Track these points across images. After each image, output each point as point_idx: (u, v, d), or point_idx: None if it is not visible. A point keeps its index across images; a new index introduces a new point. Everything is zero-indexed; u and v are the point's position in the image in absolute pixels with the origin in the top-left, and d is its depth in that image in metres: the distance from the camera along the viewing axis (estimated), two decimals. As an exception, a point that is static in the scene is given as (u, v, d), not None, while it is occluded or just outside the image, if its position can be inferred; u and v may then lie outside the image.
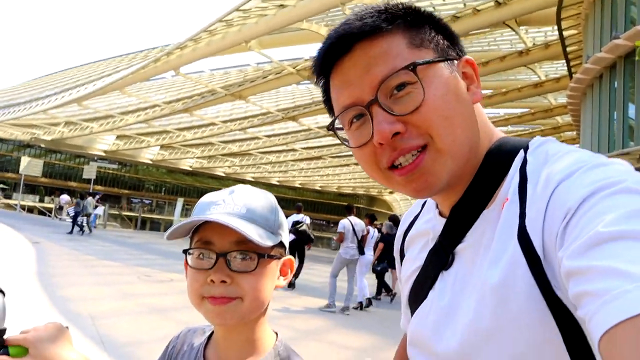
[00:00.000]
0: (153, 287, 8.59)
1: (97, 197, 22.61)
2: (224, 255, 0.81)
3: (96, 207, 21.93)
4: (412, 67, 0.64)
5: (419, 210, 0.89)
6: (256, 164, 45.87)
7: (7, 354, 0.88)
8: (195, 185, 59.04)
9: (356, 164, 41.70)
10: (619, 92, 11.82)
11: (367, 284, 8.78)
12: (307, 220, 9.88)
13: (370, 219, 9.49)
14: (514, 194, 0.65)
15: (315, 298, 8.70)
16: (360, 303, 8.38)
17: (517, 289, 0.59)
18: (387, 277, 10.63)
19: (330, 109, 0.76)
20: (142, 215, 36.96)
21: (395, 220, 9.62)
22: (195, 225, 0.85)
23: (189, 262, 0.84)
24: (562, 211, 0.55)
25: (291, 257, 0.92)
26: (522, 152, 0.69)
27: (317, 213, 58.86)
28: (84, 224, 18.17)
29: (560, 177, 0.59)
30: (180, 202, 24.61)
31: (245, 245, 0.81)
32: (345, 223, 8.25)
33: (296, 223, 9.59)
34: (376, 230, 9.43)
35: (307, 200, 59.22)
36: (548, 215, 0.58)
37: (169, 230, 0.84)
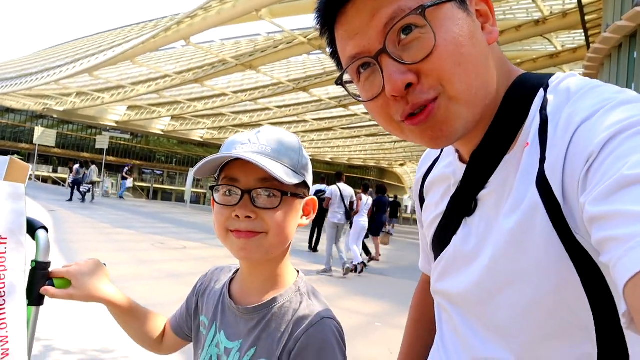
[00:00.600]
0: (167, 253, 8.76)
1: (127, 169, 23.00)
2: (248, 192, 0.84)
3: (125, 178, 22.45)
4: (421, 11, 0.59)
5: (439, 153, 0.87)
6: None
7: (53, 285, 0.94)
8: (206, 156, 59.13)
9: (367, 136, 41.58)
10: (638, 62, 11.54)
11: (359, 247, 9.28)
12: (329, 189, 9.59)
13: (364, 187, 9.93)
14: (534, 137, 0.63)
15: (322, 265, 8.81)
16: (355, 266, 8.72)
17: (536, 234, 0.59)
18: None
19: (338, 62, 0.72)
20: (154, 185, 37.32)
21: (381, 189, 10.63)
22: (222, 162, 0.88)
23: (216, 198, 0.87)
24: (583, 155, 0.54)
25: (314, 197, 0.94)
26: (541, 90, 0.66)
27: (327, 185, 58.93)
28: (88, 191, 18.33)
29: (581, 118, 0.57)
30: (191, 172, 24.74)
31: (269, 182, 0.84)
32: (333, 189, 8.89)
33: (318, 192, 9.37)
34: (370, 198, 9.78)
35: (318, 172, 59.16)
36: (569, 160, 0.57)
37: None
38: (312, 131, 42.48)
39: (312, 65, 28.20)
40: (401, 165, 63.84)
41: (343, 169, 66.79)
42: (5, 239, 0.88)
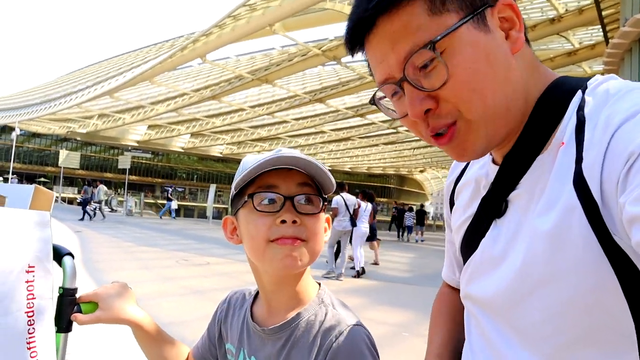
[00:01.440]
0: (191, 270, 8.82)
1: (170, 190, 23.59)
2: (291, 198, 0.84)
3: (170, 200, 23.00)
4: (431, 46, 0.61)
5: None
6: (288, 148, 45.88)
7: (80, 310, 0.95)
8: (226, 171, 59.89)
9: (385, 144, 41.47)
10: (659, 55, 11.29)
11: (363, 253, 9.66)
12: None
13: (363, 194, 10.18)
14: (570, 137, 0.62)
15: (347, 278, 8.76)
16: (357, 271, 9.31)
17: (573, 235, 0.58)
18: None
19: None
20: (177, 203, 37.82)
21: (368, 195, 10.37)
22: (263, 169, 0.85)
23: (255, 205, 0.85)
24: (623, 155, 0.53)
25: (328, 215, 0.94)
26: (579, 92, 0.65)
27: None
28: (97, 210, 18.77)
29: (621, 119, 0.56)
30: (212, 188, 24.98)
31: (308, 188, 0.86)
32: (337, 199, 9.20)
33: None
34: (369, 204, 10.00)
35: (337, 182, 59.16)
36: (608, 160, 0.56)
37: (242, 175, 0.84)
38: (330, 142, 42.56)
39: (328, 76, 28.35)
40: (421, 171, 63.42)
41: (363, 178, 66.73)
42: (34, 267, 0.90)
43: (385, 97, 0.72)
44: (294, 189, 0.85)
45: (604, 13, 15.04)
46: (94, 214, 18.49)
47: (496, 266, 0.70)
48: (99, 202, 19.10)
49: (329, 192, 0.91)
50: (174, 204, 23.56)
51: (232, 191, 0.91)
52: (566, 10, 17.31)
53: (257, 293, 0.98)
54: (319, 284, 0.95)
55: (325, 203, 0.89)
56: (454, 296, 0.97)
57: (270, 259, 0.84)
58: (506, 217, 0.70)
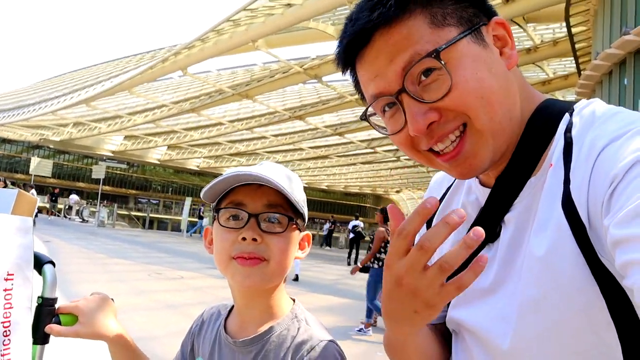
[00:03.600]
0: (165, 284, 8.65)
1: (202, 208, 23.08)
2: (255, 215, 0.85)
3: (202, 218, 22.55)
4: (435, 54, 0.61)
5: (453, 181, 0.86)
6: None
7: (59, 322, 0.91)
8: (202, 185, 58.13)
9: (363, 163, 41.71)
10: (629, 88, 11.72)
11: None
12: (361, 224, 17.36)
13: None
14: (558, 159, 0.62)
15: (324, 295, 8.70)
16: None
17: (563, 257, 0.58)
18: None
19: (362, 95, 0.74)
20: (150, 215, 37.18)
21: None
22: (231, 185, 0.87)
23: (220, 221, 0.87)
24: (607, 178, 0.54)
25: (309, 233, 0.96)
26: (567, 115, 0.66)
27: (323, 213, 58.81)
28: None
29: (605, 142, 0.57)
30: (188, 201, 24.65)
31: (275, 208, 0.86)
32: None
33: (355, 226, 17.58)
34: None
35: (314, 200, 59.17)
36: (592, 182, 0.56)
37: (208, 185, 0.87)
38: (308, 159, 42.60)
39: (308, 94, 28.50)
40: (397, 192, 63.86)
41: (339, 197, 66.80)
42: (13, 274, 0.86)
43: (376, 114, 0.72)
44: (260, 207, 0.86)
45: (577, 46, 15.61)
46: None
47: (491, 292, 0.69)
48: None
49: (303, 210, 0.91)
50: (206, 222, 22.84)
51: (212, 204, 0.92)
52: (542, 41, 17.92)
53: (233, 307, 0.99)
54: (294, 300, 0.95)
55: (295, 222, 0.89)
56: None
57: (231, 275, 0.86)
58: (500, 241, 0.69)
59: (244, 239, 0.84)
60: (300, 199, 0.90)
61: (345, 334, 6.19)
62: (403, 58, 0.63)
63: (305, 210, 0.93)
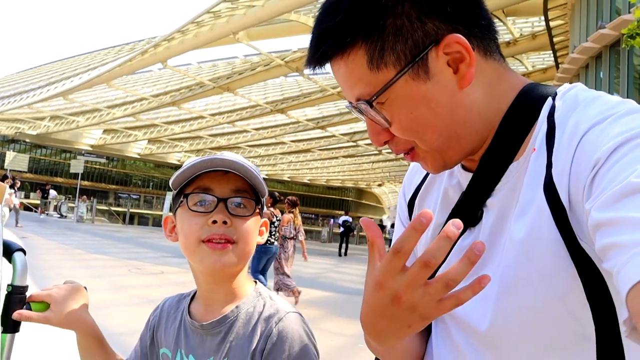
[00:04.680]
0: (144, 279, 8.58)
1: None
2: (224, 200, 0.88)
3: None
4: (369, 102, 0.64)
5: None
6: (245, 157, 45.61)
7: (30, 309, 0.90)
8: (184, 179, 58.40)
9: (345, 157, 41.80)
10: (604, 81, 11.96)
11: None
12: (351, 219, 19.37)
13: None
14: (541, 143, 0.63)
15: (305, 288, 8.70)
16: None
17: (542, 241, 0.58)
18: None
19: None
20: (131, 210, 36.73)
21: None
22: (199, 170, 0.89)
23: (189, 205, 0.89)
24: (590, 161, 0.54)
25: (267, 220, 0.99)
26: (550, 99, 0.66)
27: (306, 207, 58.85)
28: None
29: (587, 126, 0.57)
30: (169, 196, 24.45)
31: (242, 193, 0.90)
32: None
33: (345, 221, 18.97)
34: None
35: (296, 193, 59.16)
36: (575, 165, 0.57)
37: (177, 173, 0.90)
38: (290, 153, 42.58)
39: (290, 88, 28.43)
40: (379, 185, 64.26)
41: (321, 191, 66.93)
42: (-20, 263, 0.85)
43: None
44: (228, 192, 0.89)
45: (555, 40, 15.86)
46: None
47: (473, 275, 0.67)
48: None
49: (263, 196, 0.96)
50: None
51: (173, 191, 0.94)
52: (521, 34, 18.14)
53: (194, 294, 1.00)
54: (255, 282, 0.98)
55: (259, 207, 0.93)
56: None
57: (200, 258, 0.88)
58: (481, 225, 0.69)
59: (214, 222, 0.86)
60: (263, 186, 0.94)
61: (327, 326, 6.22)
62: (352, 93, 0.66)
63: (264, 199, 0.97)
